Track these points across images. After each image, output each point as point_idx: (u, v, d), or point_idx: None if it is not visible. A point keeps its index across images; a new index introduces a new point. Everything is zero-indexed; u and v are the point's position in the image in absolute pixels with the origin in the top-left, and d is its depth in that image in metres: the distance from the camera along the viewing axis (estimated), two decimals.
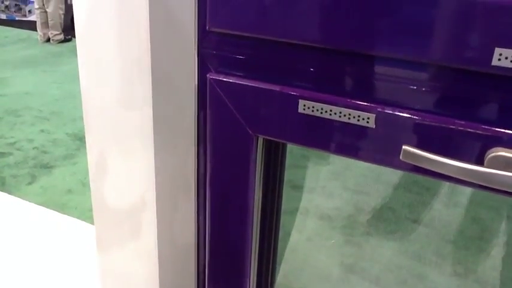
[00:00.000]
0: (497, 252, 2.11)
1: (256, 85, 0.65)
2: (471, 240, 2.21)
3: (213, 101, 0.68)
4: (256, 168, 0.72)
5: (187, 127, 0.73)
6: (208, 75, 0.68)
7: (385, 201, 2.52)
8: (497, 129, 0.54)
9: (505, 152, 0.53)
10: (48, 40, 5.76)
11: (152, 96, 0.70)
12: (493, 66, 0.51)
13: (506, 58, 0.50)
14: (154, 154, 0.77)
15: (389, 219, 2.39)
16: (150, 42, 0.67)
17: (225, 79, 0.67)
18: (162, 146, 0.75)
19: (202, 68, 0.69)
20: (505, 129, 0.54)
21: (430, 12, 0.52)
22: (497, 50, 0.50)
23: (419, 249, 2.12)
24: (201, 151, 0.75)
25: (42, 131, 3.24)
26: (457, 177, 0.53)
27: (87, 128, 0.79)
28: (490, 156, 0.54)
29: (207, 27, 0.66)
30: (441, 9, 0.52)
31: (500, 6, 0.49)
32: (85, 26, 0.72)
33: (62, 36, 5.74)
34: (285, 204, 0.86)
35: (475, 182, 0.52)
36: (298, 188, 2.62)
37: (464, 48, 0.52)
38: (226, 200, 0.75)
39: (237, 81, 0.66)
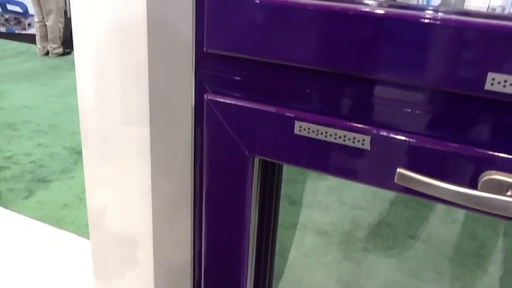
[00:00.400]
0: (494, 269, 2.11)
1: (253, 106, 0.66)
2: (468, 256, 2.20)
3: (210, 121, 0.69)
4: (253, 188, 0.72)
5: (184, 146, 0.73)
6: (205, 96, 0.68)
7: (383, 216, 2.52)
8: (490, 152, 0.55)
9: (499, 175, 0.54)
10: (47, 53, 5.79)
11: (150, 115, 0.71)
12: (486, 90, 0.52)
13: (499, 83, 0.51)
14: (151, 172, 0.77)
15: (386, 235, 2.39)
16: (148, 62, 0.68)
17: (221, 100, 0.67)
18: (159, 165, 0.76)
19: (200, 88, 0.70)
20: (498, 152, 0.54)
21: (425, 37, 0.53)
22: (490, 75, 0.51)
23: (417, 265, 2.12)
24: (198, 170, 0.75)
25: (39, 144, 3.24)
26: (452, 200, 0.53)
27: (84, 144, 0.80)
28: (483, 179, 0.54)
29: (205, 49, 0.66)
30: (436, 34, 0.53)
31: (493, 32, 0.50)
32: (83, 44, 0.73)
33: (61, 50, 5.77)
34: (282, 220, 0.87)
35: (469, 206, 0.53)
36: (296, 203, 2.62)
37: (458, 72, 0.53)
38: (223, 219, 0.75)
39: (233, 102, 0.67)
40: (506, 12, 4.60)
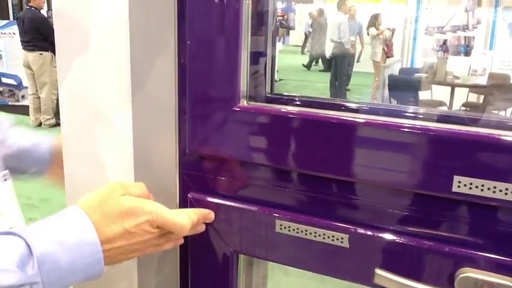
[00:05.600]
0: None
1: (235, 205, 0.68)
2: None
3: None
4: (239, 282, 0.73)
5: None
6: (189, 195, 0.71)
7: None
8: (464, 250, 0.57)
9: (473, 272, 0.55)
10: (40, 124, 5.86)
11: None
12: (454, 192, 0.54)
13: (465, 185, 0.54)
14: (138, 271, 0.78)
15: None
16: (134, 161, 0.70)
17: (205, 198, 0.70)
18: (146, 264, 0.76)
19: (184, 187, 0.72)
20: (471, 250, 0.56)
21: (396, 144, 0.57)
22: (456, 178, 0.54)
23: None
24: (184, 266, 0.76)
25: (30, 219, 3.20)
26: None
27: None
28: (459, 277, 0.56)
29: (187, 151, 0.69)
30: (405, 141, 0.56)
31: (457, 140, 0.54)
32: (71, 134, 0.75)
33: (53, 121, 5.84)
34: None
35: None
36: (289, 272, 2.58)
37: (428, 176, 0.56)
38: None
39: (216, 201, 0.69)
40: (487, 73, 4.76)
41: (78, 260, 0.56)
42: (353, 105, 0.71)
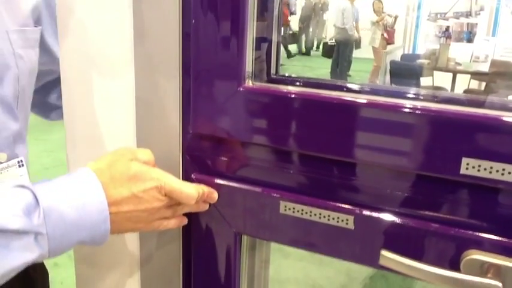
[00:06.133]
0: None
1: (239, 186, 0.67)
2: None
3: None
4: (241, 264, 0.73)
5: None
6: (192, 175, 0.70)
7: (378, 269, 2.50)
8: (470, 232, 0.56)
9: (479, 254, 0.55)
10: None
11: None
12: (462, 174, 0.54)
13: (473, 167, 0.53)
14: (140, 247, 0.77)
15: None
16: (137, 142, 0.70)
17: (209, 179, 0.69)
18: (148, 242, 0.76)
19: (187, 167, 0.71)
20: (477, 232, 0.56)
21: (404, 125, 0.56)
22: (465, 160, 0.53)
23: None
24: (186, 247, 0.76)
25: None
26: (435, 283, 0.54)
27: None
28: (465, 259, 0.55)
29: (191, 131, 0.69)
30: (413, 122, 0.55)
31: (466, 121, 0.53)
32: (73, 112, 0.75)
33: None
34: (276, 274, 0.86)
35: (452, 287, 0.54)
36: (290, 256, 2.60)
37: (435, 158, 0.55)
38: None
39: (219, 182, 0.68)
40: (489, 59, 4.74)
41: (85, 216, 0.56)
42: (359, 88, 0.70)
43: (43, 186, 0.56)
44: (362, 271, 2.47)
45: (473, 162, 0.53)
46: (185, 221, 0.68)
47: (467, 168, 0.53)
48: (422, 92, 0.64)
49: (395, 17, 6.47)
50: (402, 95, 0.63)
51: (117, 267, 0.79)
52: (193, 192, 0.63)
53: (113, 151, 0.63)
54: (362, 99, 0.58)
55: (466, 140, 0.53)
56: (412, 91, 0.65)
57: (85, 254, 0.82)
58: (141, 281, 0.77)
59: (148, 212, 0.61)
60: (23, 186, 0.55)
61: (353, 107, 0.58)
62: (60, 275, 2.37)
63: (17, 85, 0.64)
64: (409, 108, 0.55)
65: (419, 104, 0.55)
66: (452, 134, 0.54)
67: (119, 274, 0.79)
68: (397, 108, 0.56)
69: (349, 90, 0.70)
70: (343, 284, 2.40)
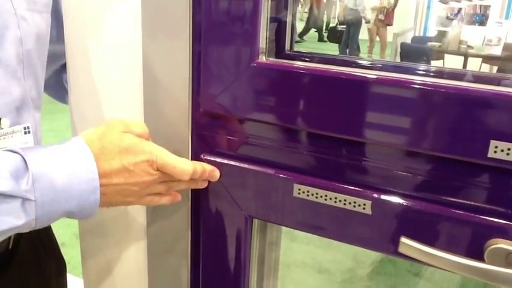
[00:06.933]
0: None
1: (250, 167, 0.64)
2: None
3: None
4: (252, 249, 0.70)
5: (181, 208, 0.72)
6: (202, 156, 0.67)
7: (397, 256, 2.47)
8: (495, 219, 0.53)
9: (504, 244, 0.52)
10: None
11: None
12: (489, 158, 0.50)
13: (502, 151, 0.50)
14: (147, 232, 0.75)
15: (390, 272, 2.35)
16: (145, 122, 0.67)
17: (218, 160, 0.66)
18: (156, 224, 0.74)
19: (197, 148, 0.68)
20: (503, 219, 0.53)
21: (428, 105, 0.52)
22: (493, 143, 0.50)
23: None
24: (195, 231, 0.73)
25: None
26: (457, 272, 0.52)
27: None
28: (489, 248, 0.52)
29: (201, 109, 0.65)
30: (438, 102, 0.52)
31: (495, 102, 0.49)
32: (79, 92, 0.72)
33: None
34: (283, 257, 0.84)
35: (475, 277, 0.51)
36: (297, 239, 2.58)
37: (461, 140, 0.51)
38: (222, 279, 0.73)
39: (230, 163, 0.65)
40: (502, 43, 4.65)
41: (74, 184, 0.54)
42: (381, 65, 0.66)
43: (33, 152, 0.55)
44: (370, 255, 2.45)
45: (502, 145, 0.50)
46: (178, 197, 0.66)
47: (495, 152, 0.50)
48: (447, 70, 0.60)
49: None
50: (427, 74, 0.59)
51: (124, 239, 0.78)
52: (187, 168, 0.60)
53: (107, 123, 0.61)
54: (386, 76, 0.54)
55: (495, 121, 0.50)
56: (435, 69, 0.61)
57: (91, 225, 0.81)
58: (147, 252, 0.75)
59: (139, 186, 0.59)
60: (12, 151, 0.54)
61: (379, 84, 0.54)
62: (67, 254, 2.36)
63: (20, 48, 0.61)
64: (437, 86, 0.52)
65: (448, 82, 0.51)
66: (480, 114, 0.50)
67: (125, 245, 0.78)
68: (426, 87, 0.52)
69: (370, 67, 0.66)
70: (350, 268, 2.38)
